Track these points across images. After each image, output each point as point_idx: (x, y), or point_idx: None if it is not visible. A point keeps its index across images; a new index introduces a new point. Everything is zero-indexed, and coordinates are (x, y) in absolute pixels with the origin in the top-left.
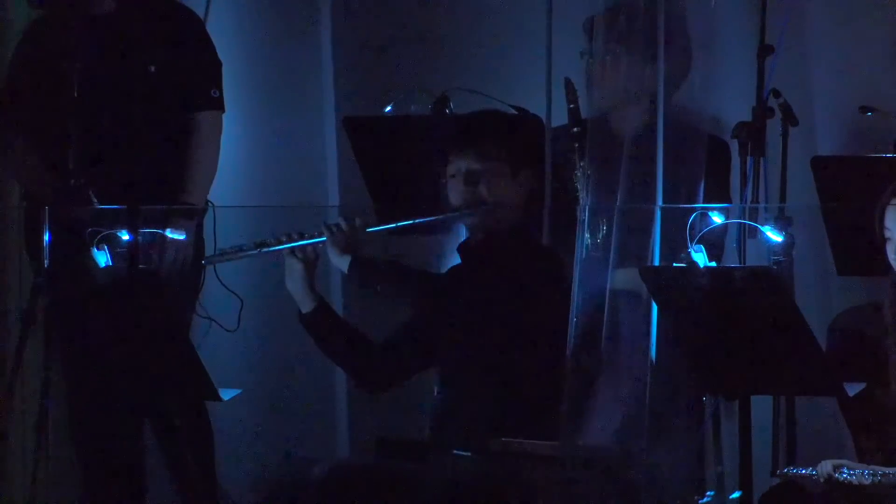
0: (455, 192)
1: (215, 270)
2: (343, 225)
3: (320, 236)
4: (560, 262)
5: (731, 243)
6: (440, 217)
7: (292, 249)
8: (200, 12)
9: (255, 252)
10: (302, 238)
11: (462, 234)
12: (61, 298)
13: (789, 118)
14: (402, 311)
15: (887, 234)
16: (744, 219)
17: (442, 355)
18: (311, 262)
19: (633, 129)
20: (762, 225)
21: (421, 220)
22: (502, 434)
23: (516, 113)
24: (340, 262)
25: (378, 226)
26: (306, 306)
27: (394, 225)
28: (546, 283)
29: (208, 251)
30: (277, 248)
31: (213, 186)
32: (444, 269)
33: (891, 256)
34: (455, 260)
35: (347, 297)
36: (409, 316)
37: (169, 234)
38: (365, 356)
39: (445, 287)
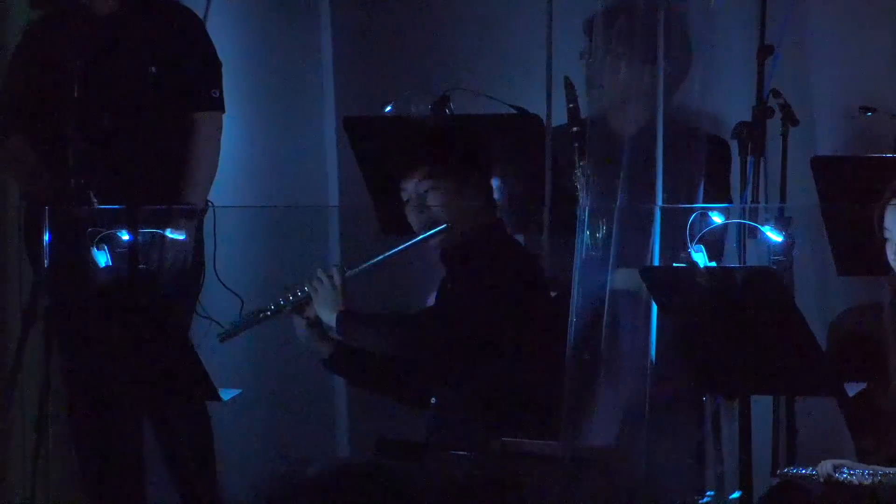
0: (412, 217)
1: (215, 270)
2: (322, 278)
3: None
4: (534, 258)
5: (731, 243)
6: (406, 246)
7: (295, 307)
8: (200, 12)
9: (260, 318)
10: (296, 292)
11: None
12: (61, 298)
13: (789, 118)
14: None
15: (887, 234)
16: (744, 219)
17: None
18: (311, 313)
19: (633, 129)
20: (762, 225)
21: (390, 252)
22: (502, 434)
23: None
24: (330, 320)
25: (355, 268)
26: (324, 353)
27: (370, 263)
28: (521, 281)
29: (208, 251)
30: (274, 311)
31: (212, 186)
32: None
33: (891, 256)
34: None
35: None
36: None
37: (169, 234)
38: (396, 380)
39: (430, 324)
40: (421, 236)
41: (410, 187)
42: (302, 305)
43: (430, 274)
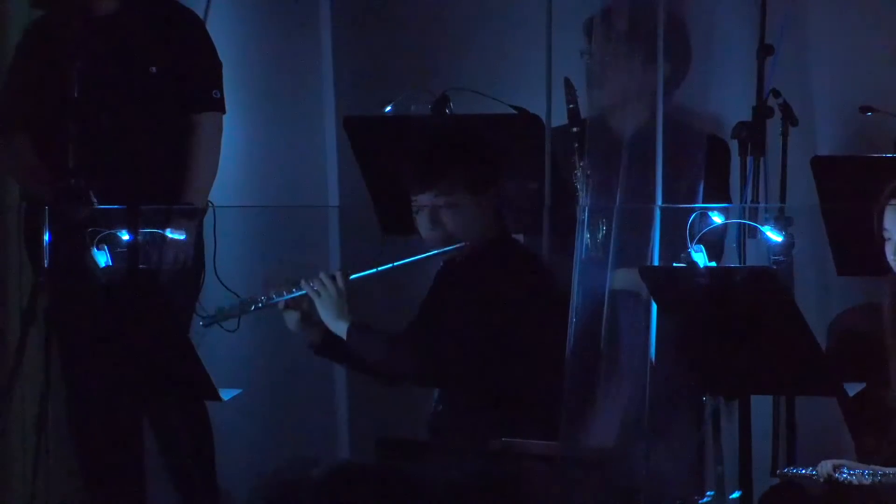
0: (423, 229)
1: (215, 271)
2: (325, 282)
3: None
4: (543, 264)
5: (731, 243)
6: (416, 258)
7: (286, 302)
8: (200, 12)
9: (250, 310)
10: (290, 289)
11: None
12: (61, 298)
13: (789, 118)
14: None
15: (887, 234)
16: (744, 219)
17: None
18: (305, 308)
19: (633, 129)
20: (762, 225)
21: (399, 262)
22: (502, 434)
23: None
24: (337, 328)
25: (359, 272)
26: (314, 340)
27: (374, 270)
28: (531, 288)
29: (208, 252)
30: (266, 304)
31: (213, 186)
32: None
33: (890, 256)
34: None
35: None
36: (413, 318)
37: (169, 234)
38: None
39: (440, 354)
40: (436, 251)
41: (424, 199)
42: (295, 299)
43: (429, 280)
